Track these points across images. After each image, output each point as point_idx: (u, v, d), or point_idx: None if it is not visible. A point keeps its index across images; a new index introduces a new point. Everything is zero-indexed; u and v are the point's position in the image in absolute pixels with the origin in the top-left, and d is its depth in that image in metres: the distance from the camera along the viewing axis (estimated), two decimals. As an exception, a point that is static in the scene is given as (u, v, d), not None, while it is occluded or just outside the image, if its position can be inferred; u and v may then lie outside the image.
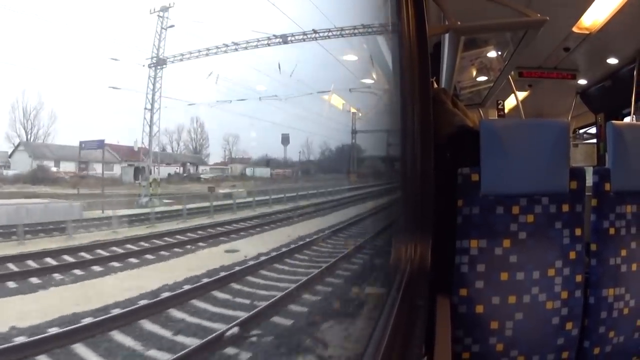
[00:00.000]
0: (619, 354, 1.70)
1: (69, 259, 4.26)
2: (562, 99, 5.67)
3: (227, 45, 5.88)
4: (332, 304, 3.89)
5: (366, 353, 1.10)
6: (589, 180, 1.71)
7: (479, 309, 1.59)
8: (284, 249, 5.33)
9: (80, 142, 5.44)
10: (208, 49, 5.90)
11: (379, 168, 3.47)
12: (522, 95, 5.44)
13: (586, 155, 5.87)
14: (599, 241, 1.68)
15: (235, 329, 3.16)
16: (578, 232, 1.64)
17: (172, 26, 5.69)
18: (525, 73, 4.77)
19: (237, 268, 4.58)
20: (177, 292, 3.81)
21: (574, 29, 3.59)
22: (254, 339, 3.21)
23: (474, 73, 4.39)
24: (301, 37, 5.72)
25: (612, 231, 1.68)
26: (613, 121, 1.77)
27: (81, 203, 5.18)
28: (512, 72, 4.35)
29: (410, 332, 1.20)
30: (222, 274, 4.39)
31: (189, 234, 5.68)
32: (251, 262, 4.81)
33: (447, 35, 2.83)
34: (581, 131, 6.80)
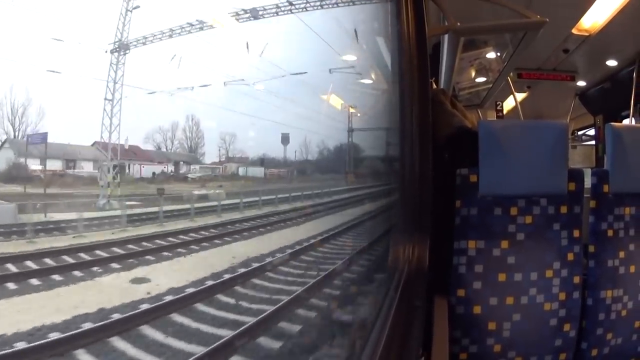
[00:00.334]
0: (616, 356, 1.70)
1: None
2: (561, 100, 5.68)
3: (191, 25, 5.24)
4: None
5: (364, 354, 1.09)
6: (588, 182, 1.71)
7: (477, 309, 1.59)
8: (226, 276, 4.07)
9: (27, 136, 4.95)
10: (172, 30, 5.25)
11: (377, 168, 3.44)
12: (521, 96, 5.45)
13: (585, 157, 5.89)
14: (597, 243, 1.68)
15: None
16: (576, 233, 1.64)
17: (137, 7, 5.09)
18: (525, 74, 4.78)
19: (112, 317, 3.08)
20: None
21: (574, 31, 3.59)
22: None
23: (473, 74, 4.39)
24: (274, 10, 5.13)
25: (610, 233, 1.68)
26: (612, 123, 1.77)
27: (15, 205, 4.36)
28: (511, 74, 4.35)
29: (407, 332, 1.20)
30: (85, 326, 2.92)
31: (114, 249, 4.35)
32: (143, 307, 3.31)
33: (446, 36, 2.82)
34: (580, 133, 6.82)
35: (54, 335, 2.78)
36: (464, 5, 2.44)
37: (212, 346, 2.84)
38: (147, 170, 6.19)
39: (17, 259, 3.73)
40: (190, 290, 3.73)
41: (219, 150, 7.01)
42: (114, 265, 4.04)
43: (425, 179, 1.68)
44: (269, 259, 4.68)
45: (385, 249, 1.80)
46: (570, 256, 1.62)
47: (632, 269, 1.70)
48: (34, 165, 4.98)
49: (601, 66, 4.51)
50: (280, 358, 2.96)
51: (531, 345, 1.62)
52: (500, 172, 1.62)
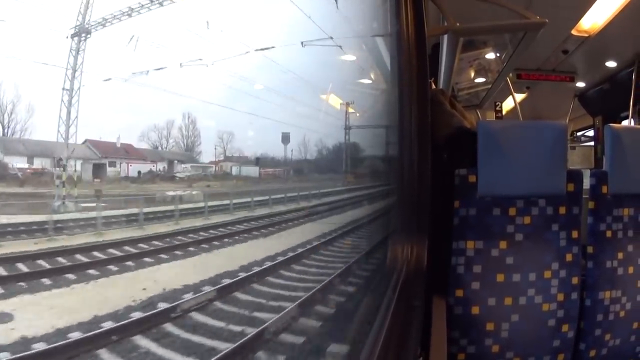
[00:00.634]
0: (615, 357, 1.70)
1: None
2: (560, 101, 5.69)
3: (151, 1, 4.70)
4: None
5: (362, 354, 1.09)
6: (586, 183, 1.71)
7: (475, 310, 1.59)
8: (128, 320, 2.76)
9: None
10: (131, 9, 4.67)
11: (375, 168, 3.42)
12: (520, 97, 5.45)
13: (583, 158, 5.89)
14: (596, 244, 1.68)
15: None
16: (575, 234, 1.64)
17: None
18: (524, 75, 4.79)
19: None
20: None
21: (573, 32, 3.60)
22: None
23: (472, 74, 4.39)
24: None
25: (609, 234, 1.68)
26: (611, 124, 1.77)
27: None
28: (511, 74, 4.36)
29: (406, 332, 1.20)
30: None
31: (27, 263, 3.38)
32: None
33: (445, 37, 2.82)
34: (579, 134, 6.83)
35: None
36: (464, 5, 2.44)
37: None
38: (134, 169, 5.80)
39: None
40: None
41: (215, 149, 6.79)
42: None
43: (424, 179, 1.68)
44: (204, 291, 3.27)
45: (383, 249, 1.80)
46: (568, 257, 1.62)
47: (631, 270, 1.70)
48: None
49: (600, 67, 4.52)
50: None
51: (529, 346, 1.62)
52: (499, 172, 1.62)
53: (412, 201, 1.67)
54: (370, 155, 4.32)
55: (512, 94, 5.04)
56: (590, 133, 6.35)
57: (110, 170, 5.56)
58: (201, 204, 5.51)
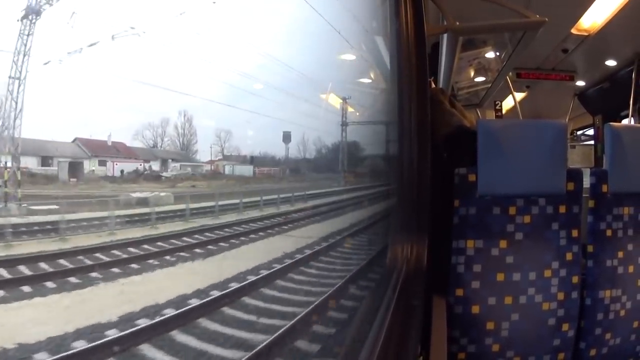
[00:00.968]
0: (615, 356, 1.70)
1: None
2: (560, 100, 5.68)
3: None
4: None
5: (362, 353, 1.09)
6: (586, 182, 1.71)
7: (475, 309, 1.59)
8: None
9: None
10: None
11: (374, 167, 3.40)
12: (520, 96, 5.45)
13: (583, 157, 5.90)
14: (596, 242, 1.68)
15: None
16: (575, 233, 1.64)
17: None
18: (523, 74, 4.78)
19: None
20: None
21: (573, 31, 3.59)
22: None
23: (472, 73, 4.40)
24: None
25: (609, 233, 1.68)
26: (611, 123, 1.77)
27: None
28: (510, 73, 4.36)
29: (406, 332, 1.20)
30: None
31: None
32: None
33: (445, 36, 2.82)
34: (579, 133, 6.83)
35: None
36: (463, 4, 2.43)
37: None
38: (119, 168, 5.36)
39: None
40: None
41: (211, 148, 6.61)
42: None
43: (423, 178, 1.68)
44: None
45: (383, 248, 1.80)
46: (568, 256, 1.62)
47: (631, 269, 1.70)
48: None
49: (600, 66, 4.52)
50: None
51: (529, 345, 1.62)
52: (499, 171, 1.62)
53: (411, 200, 1.67)
54: (369, 154, 4.30)
55: (511, 93, 5.04)
56: (590, 132, 6.36)
57: (100, 169, 5.42)
58: (181, 207, 4.71)
